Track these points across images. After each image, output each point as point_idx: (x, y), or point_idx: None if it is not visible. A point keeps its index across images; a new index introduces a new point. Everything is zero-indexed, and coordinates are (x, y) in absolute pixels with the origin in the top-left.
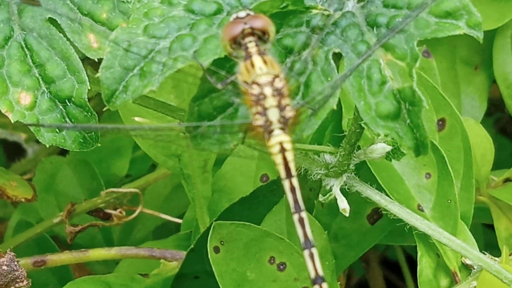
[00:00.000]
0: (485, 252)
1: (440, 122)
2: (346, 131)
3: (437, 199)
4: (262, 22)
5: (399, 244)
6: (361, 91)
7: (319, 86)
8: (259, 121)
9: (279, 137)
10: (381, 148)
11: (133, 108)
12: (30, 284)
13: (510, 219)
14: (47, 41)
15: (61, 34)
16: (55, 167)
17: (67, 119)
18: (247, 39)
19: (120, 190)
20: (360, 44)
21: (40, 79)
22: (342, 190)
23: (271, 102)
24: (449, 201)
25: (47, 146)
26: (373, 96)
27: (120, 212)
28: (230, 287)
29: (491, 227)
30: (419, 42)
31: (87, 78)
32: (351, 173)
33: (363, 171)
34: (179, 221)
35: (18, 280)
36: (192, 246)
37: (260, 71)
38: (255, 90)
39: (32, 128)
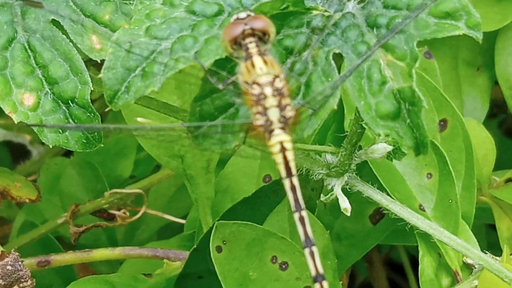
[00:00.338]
0: (486, 252)
1: (442, 123)
2: (348, 132)
3: (438, 199)
4: (263, 23)
5: (401, 244)
6: (361, 91)
7: (319, 86)
8: (260, 121)
9: (280, 136)
10: (382, 148)
11: (136, 109)
12: (34, 284)
13: None
14: (50, 42)
15: (64, 36)
16: (60, 168)
17: (70, 120)
18: (248, 40)
19: (124, 190)
20: (360, 44)
21: (44, 80)
22: (344, 190)
23: (271, 102)
24: (450, 201)
25: (51, 146)
26: (373, 96)
27: (124, 213)
28: (232, 287)
29: (493, 227)
30: (420, 43)
31: (90, 79)
32: (353, 173)
33: (365, 172)
34: (183, 221)
35: (22, 280)
36: (195, 246)
37: (261, 71)
38: (256, 90)
39: (35, 129)
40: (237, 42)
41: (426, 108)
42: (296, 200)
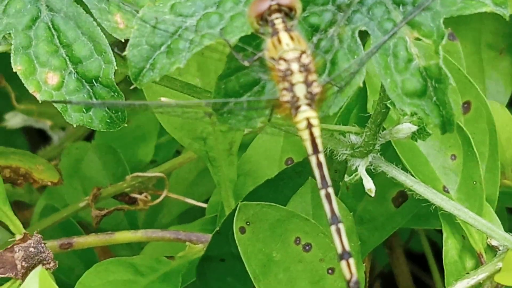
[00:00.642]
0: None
1: (466, 105)
2: (372, 113)
3: (463, 180)
4: None
5: (423, 227)
6: (387, 69)
7: (345, 63)
8: (286, 97)
9: (306, 112)
10: (406, 128)
11: (159, 91)
12: (57, 266)
13: None
14: (74, 21)
15: (88, 15)
16: (81, 152)
17: (94, 99)
18: (274, 16)
19: (145, 174)
20: (386, 22)
21: (67, 59)
22: (368, 171)
23: (298, 77)
24: (474, 183)
25: (74, 126)
26: (399, 73)
27: (146, 197)
28: (256, 268)
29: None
30: (445, 24)
31: (114, 58)
32: (377, 153)
33: (389, 154)
34: (205, 205)
35: (45, 262)
36: (217, 228)
37: (287, 47)
38: (282, 66)
39: (59, 108)
40: (263, 18)
41: (453, 86)
42: (322, 177)
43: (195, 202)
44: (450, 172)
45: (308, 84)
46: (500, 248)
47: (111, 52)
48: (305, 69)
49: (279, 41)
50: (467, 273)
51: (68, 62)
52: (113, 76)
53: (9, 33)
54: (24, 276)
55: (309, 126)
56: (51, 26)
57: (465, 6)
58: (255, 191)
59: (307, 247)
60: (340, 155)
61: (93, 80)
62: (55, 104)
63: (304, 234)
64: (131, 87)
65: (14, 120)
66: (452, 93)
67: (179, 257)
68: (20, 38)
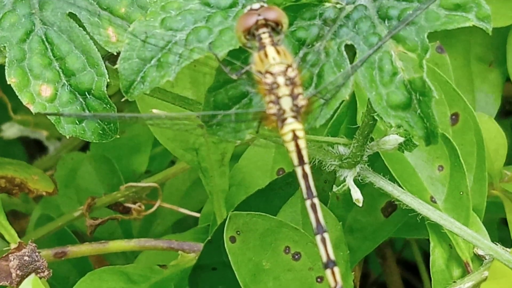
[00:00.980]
0: (497, 243)
1: (454, 117)
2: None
3: (450, 191)
4: (275, 13)
5: (413, 237)
6: (372, 82)
7: (331, 76)
8: (273, 109)
9: (292, 125)
10: (393, 139)
11: (151, 103)
12: (51, 274)
13: None
14: (67, 35)
15: (81, 28)
16: (76, 162)
17: (87, 111)
18: (261, 30)
19: (139, 184)
20: (372, 36)
21: (61, 72)
22: (356, 181)
23: (284, 91)
24: (461, 193)
25: (67, 137)
26: (385, 86)
27: (139, 206)
28: (246, 276)
29: (505, 223)
30: (432, 38)
31: (106, 71)
32: (365, 164)
33: (377, 165)
34: (198, 215)
35: (39, 270)
36: (209, 237)
37: (274, 61)
38: (269, 79)
39: (52, 120)
40: (250, 33)
41: (437, 99)
42: (308, 187)
43: (188, 212)
44: (437, 183)
45: (294, 97)
46: (486, 257)
47: (104, 65)
48: (291, 82)
49: (266, 55)
50: (454, 282)
51: (62, 75)
52: (105, 89)
53: (4, 46)
54: (18, 284)
55: (295, 138)
56: (44, 40)
57: (449, 20)
58: (246, 201)
59: (297, 256)
60: (328, 166)
61: (86, 92)
62: (48, 116)
63: (294, 243)
64: (123, 99)
65: (11, 130)
66: (440, 104)
67: (172, 266)
68: (15, 51)
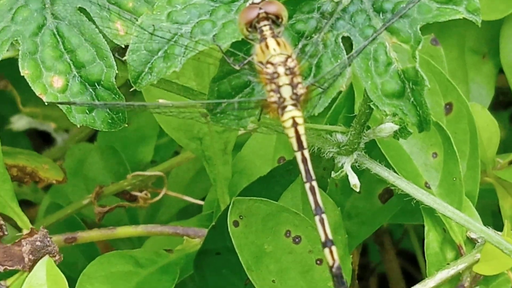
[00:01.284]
0: (488, 227)
1: (448, 106)
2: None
3: (443, 177)
4: (276, 7)
5: (410, 222)
6: (368, 72)
7: (329, 67)
8: (273, 98)
9: (292, 112)
10: (389, 127)
11: (157, 94)
12: (62, 259)
13: None
14: (78, 28)
15: (90, 22)
16: (84, 153)
17: (97, 101)
18: (262, 23)
19: (145, 173)
20: (367, 28)
21: (71, 64)
22: (353, 168)
23: (284, 80)
24: (454, 179)
25: (78, 126)
26: (379, 76)
27: (146, 194)
28: (249, 259)
29: (499, 212)
30: (427, 30)
31: (115, 63)
32: (361, 151)
33: (374, 153)
34: (202, 203)
35: (50, 255)
36: (213, 223)
37: (274, 52)
38: (270, 69)
39: (64, 109)
40: (252, 25)
41: (431, 89)
42: (307, 171)
43: (192, 200)
44: (431, 169)
45: (293, 86)
46: (479, 240)
47: (112, 57)
48: (290, 72)
49: (267, 47)
50: (448, 264)
51: (72, 67)
52: (114, 80)
53: (17, 40)
54: (31, 268)
55: (295, 124)
56: (56, 33)
57: (440, 13)
58: (248, 188)
59: (297, 240)
60: (327, 153)
61: (96, 83)
62: (60, 106)
63: (294, 227)
64: (131, 90)
65: (20, 122)
66: (434, 94)
67: (177, 251)
68: (27, 44)
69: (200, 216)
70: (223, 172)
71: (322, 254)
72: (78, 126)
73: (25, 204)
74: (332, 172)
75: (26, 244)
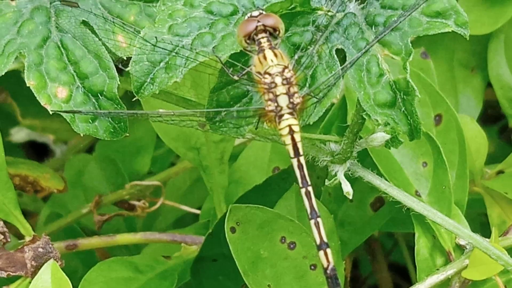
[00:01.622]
0: (476, 233)
1: (437, 118)
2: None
3: (433, 185)
4: (273, 20)
5: (400, 231)
6: (361, 83)
7: (323, 77)
8: (271, 106)
9: (288, 120)
10: (380, 136)
11: (156, 105)
12: (64, 265)
13: (502, 207)
14: (81, 41)
15: (93, 35)
16: (83, 164)
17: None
18: (260, 35)
19: (143, 183)
20: (360, 41)
21: (75, 75)
22: (346, 176)
23: (281, 89)
24: (443, 187)
25: (82, 135)
26: (372, 86)
27: (144, 203)
28: (245, 264)
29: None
30: (417, 44)
31: (117, 74)
32: (354, 160)
33: (367, 162)
34: (198, 212)
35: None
36: (210, 230)
37: (272, 63)
38: (267, 79)
39: (68, 118)
40: (250, 37)
41: (422, 101)
42: (303, 176)
43: (189, 209)
44: (421, 178)
45: (290, 95)
46: (467, 246)
47: (115, 68)
48: (287, 82)
49: (265, 58)
50: (437, 269)
51: (76, 78)
52: (116, 90)
53: (22, 52)
54: (33, 274)
55: (291, 132)
56: (60, 45)
57: (430, 27)
58: (244, 196)
59: (292, 246)
60: (321, 162)
61: (98, 94)
62: (64, 115)
63: (289, 234)
64: (133, 100)
65: (19, 134)
66: (425, 106)
67: (175, 257)
68: (33, 56)
69: (197, 224)
70: (219, 181)
71: (316, 260)
72: (82, 135)
73: (25, 214)
74: (326, 180)
75: (29, 250)
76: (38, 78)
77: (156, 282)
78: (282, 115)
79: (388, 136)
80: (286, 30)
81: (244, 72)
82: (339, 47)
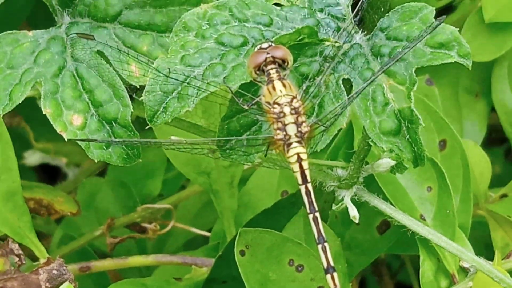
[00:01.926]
0: (480, 256)
1: (442, 143)
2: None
3: (437, 209)
4: (282, 52)
5: (406, 253)
6: (367, 111)
7: (331, 106)
8: (280, 135)
9: (297, 149)
10: (386, 162)
11: (167, 130)
12: (77, 287)
13: (505, 230)
14: (96, 70)
15: (107, 64)
16: (95, 187)
17: (113, 138)
18: (269, 67)
19: (155, 206)
20: (366, 71)
21: (90, 103)
22: (353, 200)
23: (289, 119)
24: (448, 212)
25: (96, 161)
26: (377, 115)
27: (155, 226)
28: (254, 286)
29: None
30: (421, 71)
31: (130, 102)
32: (360, 185)
33: (373, 187)
34: (208, 234)
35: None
36: (220, 253)
37: (280, 93)
38: (276, 109)
39: (83, 146)
40: (260, 69)
41: (426, 127)
42: (310, 203)
43: (199, 231)
44: (426, 202)
45: (298, 124)
46: (471, 269)
47: (128, 96)
48: (295, 111)
49: (274, 88)
50: None
51: (91, 106)
52: (129, 118)
53: (40, 81)
54: None
55: (299, 160)
56: (75, 74)
57: (433, 57)
58: (253, 220)
59: (300, 268)
60: (328, 187)
61: (112, 121)
62: (79, 142)
63: (297, 257)
64: (146, 127)
65: (33, 157)
66: (429, 132)
67: (186, 279)
68: (49, 85)
69: (206, 246)
70: (229, 205)
71: (324, 282)
72: (96, 161)
73: (38, 236)
74: (333, 204)
75: (43, 272)
76: (54, 106)
77: None
78: (290, 144)
79: (393, 162)
80: (295, 61)
81: (253, 102)
82: (346, 77)
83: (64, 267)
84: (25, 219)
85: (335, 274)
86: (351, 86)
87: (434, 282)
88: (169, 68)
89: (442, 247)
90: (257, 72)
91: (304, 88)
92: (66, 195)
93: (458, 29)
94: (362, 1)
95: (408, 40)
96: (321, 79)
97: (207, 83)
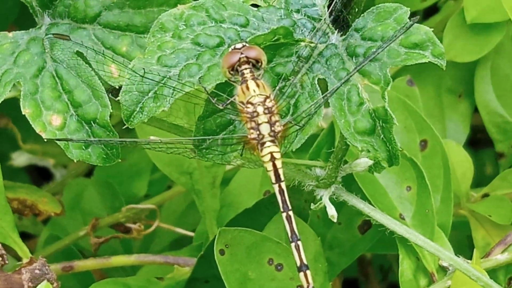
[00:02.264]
0: (459, 255)
1: (423, 143)
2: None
3: (417, 209)
4: (256, 52)
5: (388, 252)
6: (342, 111)
7: (305, 106)
8: (253, 134)
9: (270, 148)
10: (364, 162)
11: (149, 131)
12: (59, 286)
13: (486, 230)
14: (75, 71)
15: (87, 65)
16: (81, 187)
17: (92, 138)
18: (243, 67)
19: (139, 206)
20: (341, 71)
21: (69, 104)
22: (332, 200)
23: (262, 118)
24: (427, 211)
25: (75, 161)
26: (352, 115)
27: (139, 226)
28: (234, 285)
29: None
30: (405, 71)
31: (109, 102)
32: (339, 185)
33: (354, 187)
34: (192, 234)
35: (49, 282)
36: (202, 252)
37: (254, 93)
38: (250, 108)
39: (62, 145)
40: (234, 69)
41: (407, 127)
42: (284, 201)
43: (184, 231)
44: (405, 202)
45: (271, 124)
46: (450, 268)
47: (107, 97)
48: (269, 111)
49: (247, 88)
50: None
51: (70, 106)
52: (108, 118)
53: (19, 81)
54: None
55: (273, 159)
56: (55, 75)
57: (408, 57)
58: (235, 219)
59: (279, 267)
60: (307, 186)
61: (91, 121)
62: (58, 142)
63: (276, 256)
64: (124, 127)
65: (20, 159)
66: (410, 132)
67: (168, 278)
68: (28, 85)
69: (190, 246)
70: (211, 205)
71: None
72: (75, 161)
73: (26, 236)
74: (312, 204)
75: (26, 272)
76: (34, 107)
77: None
78: (264, 143)
79: (371, 162)
80: (270, 61)
81: (228, 102)
82: (321, 77)
83: (47, 267)
84: (8, 219)
85: (308, 272)
86: (327, 86)
87: (414, 281)
88: (144, 69)
89: (420, 246)
90: (231, 72)
91: (279, 87)
92: (50, 195)
93: (432, 29)
94: (336, 1)
95: (383, 41)
96: (296, 79)
97: (183, 83)
